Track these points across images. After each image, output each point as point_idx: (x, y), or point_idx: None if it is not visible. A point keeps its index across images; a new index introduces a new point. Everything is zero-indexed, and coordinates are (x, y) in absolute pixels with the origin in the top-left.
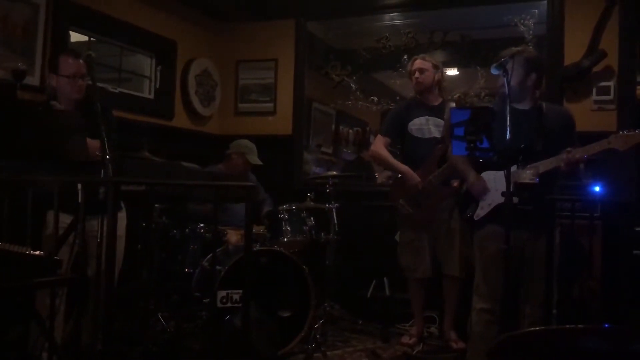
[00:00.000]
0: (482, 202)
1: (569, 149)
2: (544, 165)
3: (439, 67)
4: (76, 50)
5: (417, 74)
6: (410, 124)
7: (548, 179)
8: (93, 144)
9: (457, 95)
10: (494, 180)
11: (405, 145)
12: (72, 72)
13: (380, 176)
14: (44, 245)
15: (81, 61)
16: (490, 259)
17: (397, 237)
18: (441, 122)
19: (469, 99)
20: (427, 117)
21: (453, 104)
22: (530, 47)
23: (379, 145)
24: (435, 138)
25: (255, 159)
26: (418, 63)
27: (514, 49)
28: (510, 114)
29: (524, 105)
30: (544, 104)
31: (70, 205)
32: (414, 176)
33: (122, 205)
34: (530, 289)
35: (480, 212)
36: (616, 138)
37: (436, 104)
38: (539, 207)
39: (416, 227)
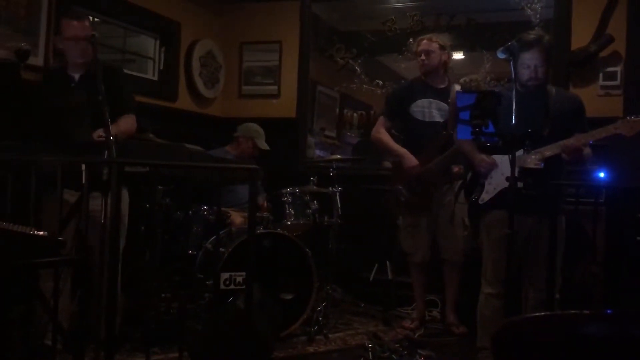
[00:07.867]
0: (488, 185)
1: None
2: (549, 150)
3: (445, 48)
4: (78, 12)
5: (422, 55)
6: (413, 105)
7: (555, 165)
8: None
9: (463, 79)
10: (500, 165)
11: (406, 128)
12: (74, 34)
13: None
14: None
15: (86, 23)
16: (496, 244)
17: (399, 222)
18: (445, 106)
19: (474, 84)
20: (430, 99)
21: (458, 87)
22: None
23: (379, 128)
24: (436, 122)
25: (263, 144)
26: (424, 44)
27: (534, 33)
28: (517, 99)
29: (534, 90)
30: (553, 89)
31: (73, 182)
32: (412, 159)
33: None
34: (534, 273)
35: (486, 196)
36: (623, 123)
37: (442, 86)
38: (543, 192)
39: (414, 212)
